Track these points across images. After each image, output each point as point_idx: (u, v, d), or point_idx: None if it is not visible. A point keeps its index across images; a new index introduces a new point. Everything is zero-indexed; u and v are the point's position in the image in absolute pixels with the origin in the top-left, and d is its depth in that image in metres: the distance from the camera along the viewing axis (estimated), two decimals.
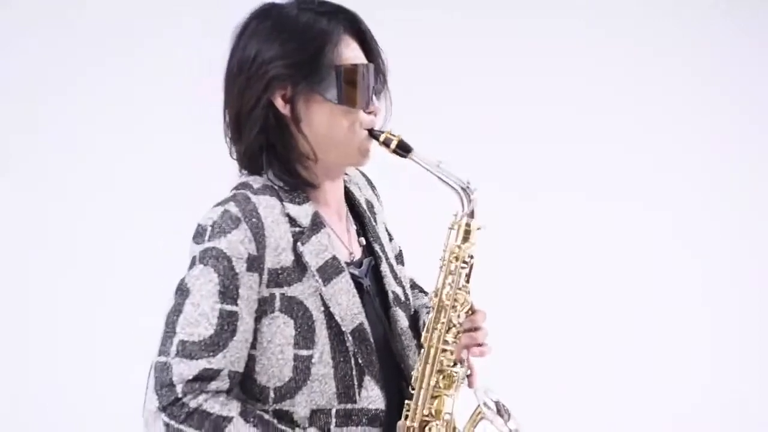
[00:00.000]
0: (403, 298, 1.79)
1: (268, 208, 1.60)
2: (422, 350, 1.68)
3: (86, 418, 3.24)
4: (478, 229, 1.67)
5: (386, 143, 1.64)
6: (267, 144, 1.65)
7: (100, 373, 3.25)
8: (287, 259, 1.59)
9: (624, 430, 3.57)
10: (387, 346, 1.71)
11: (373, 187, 1.90)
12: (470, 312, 1.70)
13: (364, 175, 1.89)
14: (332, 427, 1.61)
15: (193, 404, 1.53)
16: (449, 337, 1.67)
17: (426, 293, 1.95)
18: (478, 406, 1.67)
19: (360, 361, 1.62)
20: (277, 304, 1.59)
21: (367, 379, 1.63)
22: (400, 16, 3.32)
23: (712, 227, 3.65)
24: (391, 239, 1.89)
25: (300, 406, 1.60)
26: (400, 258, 1.90)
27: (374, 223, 1.82)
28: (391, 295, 1.75)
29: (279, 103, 1.63)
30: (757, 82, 3.68)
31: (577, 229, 3.52)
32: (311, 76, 1.61)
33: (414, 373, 1.68)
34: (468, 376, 1.70)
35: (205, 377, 1.54)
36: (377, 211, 1.86)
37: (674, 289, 3.61)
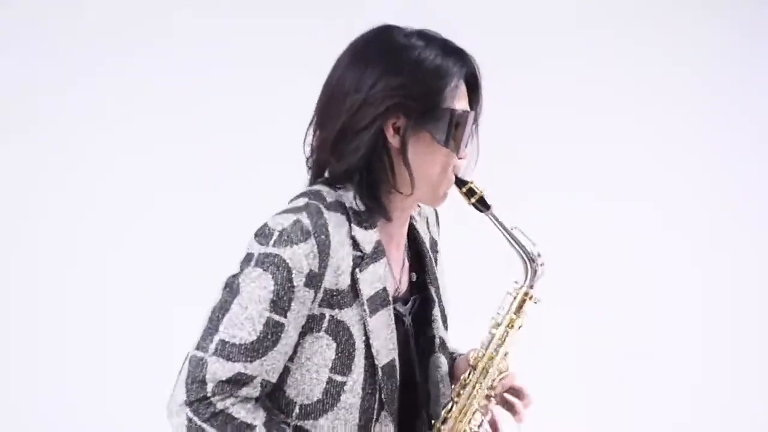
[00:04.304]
0: (446, 344, 1.79)
1: (337, 226, 1.57)
2: (454, 404, 1.70)
3: (86, 417, 3.24)
4: (535, 303, 1.72)
5: (468, 194, 1.65)
6: (365, 166, 1.61)
7: (100, 372, 3.26)
8: (344, 282, 1.57)
9: (624, 429, 3.57)
10: (411, 386, 1.71)
11: (438, 226, 1.88)
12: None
13: (435, 212, 1.88)
14: None
15: (220, 406, 1.51)
16: (483, 401, 1.71)
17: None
18: None
19: (383, 397, 1.61)
20: (325, 324, 1.57)
21: (384, 414, 1.62)
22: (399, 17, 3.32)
23: (712, 227, 3.65)
24: None
25: (321, 430, 1.59)
26: None
27: (434, 265, 1.80)
28: (437, 341, 1.75)
29: (389, 131, 1.60)
30: (758, 82, 3.68)
31: (575, 228, 3.52)
32: (427, 113, 1.59)
33: (438, 424, 1.70)
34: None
35: (238, 381, 1.52)
36: (439, 250, 1.85)
37: (673, 289, 3.60)
